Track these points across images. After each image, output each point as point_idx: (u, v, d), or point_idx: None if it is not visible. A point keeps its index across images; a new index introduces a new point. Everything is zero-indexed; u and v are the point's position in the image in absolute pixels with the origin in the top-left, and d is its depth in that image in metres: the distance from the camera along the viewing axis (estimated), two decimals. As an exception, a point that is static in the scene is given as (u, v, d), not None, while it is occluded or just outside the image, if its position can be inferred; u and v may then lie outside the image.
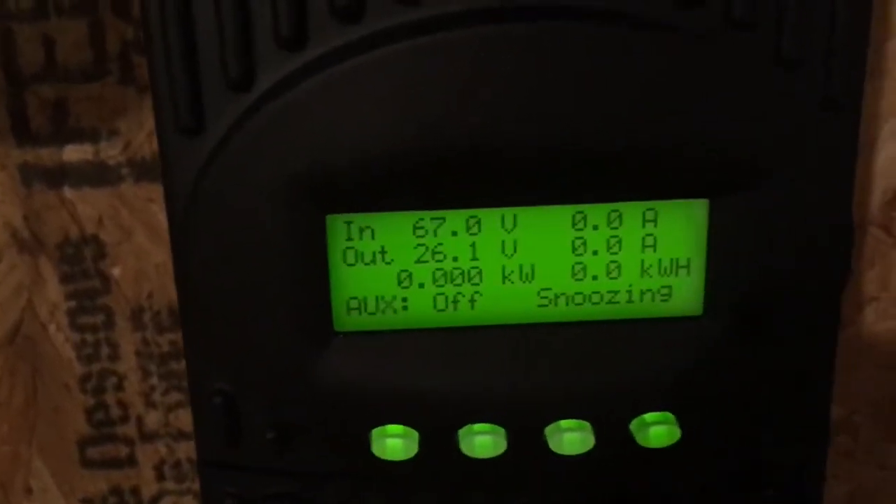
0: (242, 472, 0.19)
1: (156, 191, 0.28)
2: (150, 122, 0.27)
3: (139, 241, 0.28)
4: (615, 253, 0.18)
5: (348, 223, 0.18)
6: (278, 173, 0.17)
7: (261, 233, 0.18)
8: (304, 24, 0.17)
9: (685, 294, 0.19)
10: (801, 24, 0.17)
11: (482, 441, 0.18)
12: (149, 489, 0.31)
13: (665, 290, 0.19)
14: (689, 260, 0.18)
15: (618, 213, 0.18)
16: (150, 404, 0.30)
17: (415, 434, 0.18)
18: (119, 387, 0.29)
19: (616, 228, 0.18)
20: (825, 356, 0.19)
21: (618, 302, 0.19)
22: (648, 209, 0.18)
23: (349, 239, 0.18)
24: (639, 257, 0.18)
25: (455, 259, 0.18)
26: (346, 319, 0.18)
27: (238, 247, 0.18)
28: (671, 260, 0.19)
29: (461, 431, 0.18)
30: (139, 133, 0.27)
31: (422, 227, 0.18)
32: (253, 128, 0.17)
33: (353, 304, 0.18)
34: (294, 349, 0.18)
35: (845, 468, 0.28)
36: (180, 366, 0.29)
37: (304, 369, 0.18)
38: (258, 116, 0.17)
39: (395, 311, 0.19)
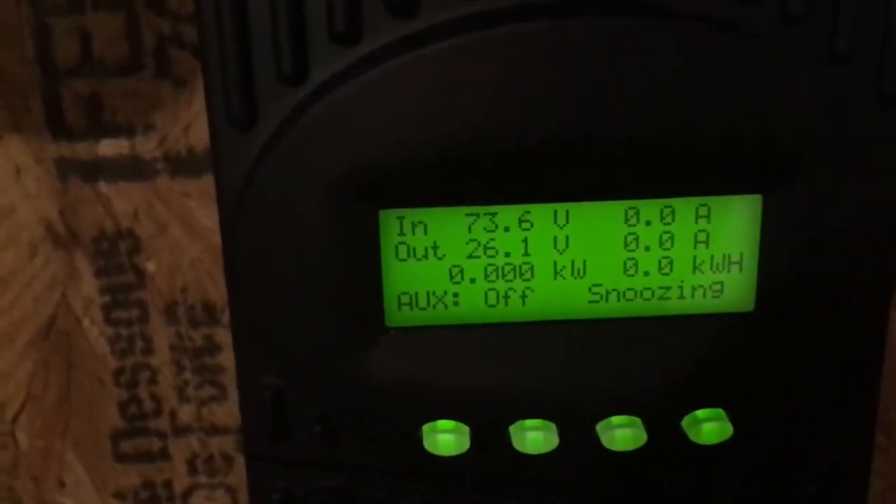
0: (290, 467, 0.19)
1: (191, 185, 0.28)
2: (185, 117, 0.27)
3: (174, 236, 0.28)
4: (667, 249, 0.18)
5: (401, 218, 0.18)
6: (331, 168, 0.17)
7: (312, 227, 0.17)
8: (359, 19, 0.17)
9: (737, 290, 0.19)
10: (855, 19, 0.17)
11: (534, 437, 0.18)
12: (181, 483, 0.31)
13: (717, 287, 0.19)
14: (741, 256, 0.18)
15: (671, 209, 0.18)
16: (184, 398, 0.30)
17: (466, 429, 0.18)
18: (153, 381, 0.30)
19: (669, 224, 0.18)
20: (875, 353, 0.19)
21: (669, 298, 0.19)
22: (702, 205, 0.18)
23: (401, 234, 0.18)
24: (691, 253, 0.18)
25: (507, 255, 0.18)
26: (398, 315, 0.18)
27: (289, 241, 0.18)
28: (723, 256, 0.18)
29: (512, 427, 0.18)
30: (175, 127, 0.27)
31: (474, 223, 0.18)
32: (306, 122, 0.17)
33: (405, 299, 0.18)
34: (345, 344, 0.18)
35: (879, 465, 0.28)
36: (214, 360, 0.29)
37: (355, 364, 0.18)
38: (311, 111, 0.17)
39: (446, 307, 0.18)
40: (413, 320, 0.18)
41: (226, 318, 0.29)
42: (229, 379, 0.30)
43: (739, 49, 0.17)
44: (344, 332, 0.18)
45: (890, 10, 0.17)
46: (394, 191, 0.17)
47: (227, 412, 0.30)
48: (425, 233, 0.18)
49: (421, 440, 0.18)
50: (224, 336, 0.29)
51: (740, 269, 0.19)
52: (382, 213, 0.18)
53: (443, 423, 0.18)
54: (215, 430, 0.30)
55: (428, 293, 0.18)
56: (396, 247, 0.18)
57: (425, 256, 0.18)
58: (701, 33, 0.17)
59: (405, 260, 0.18)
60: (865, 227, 0.18)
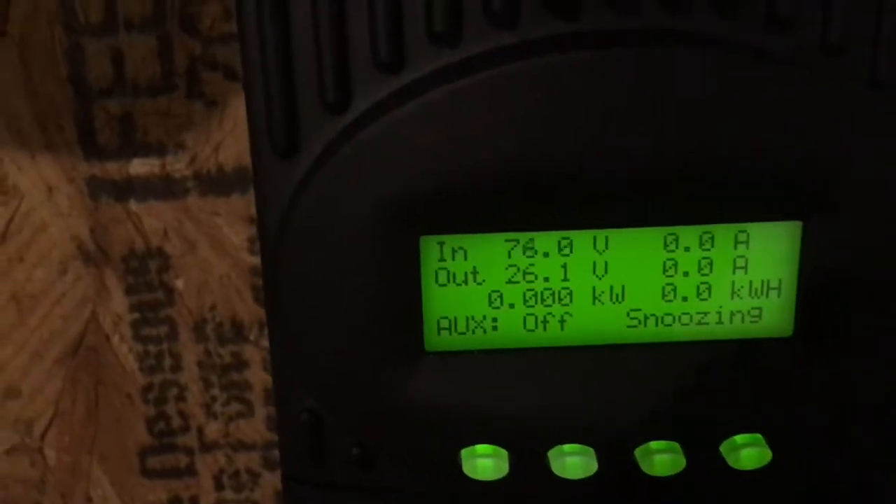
0: (327, 489, 0.20)
1: (220, 204, 0.28)
2: (216, 137, 0.27)
3: (203, 254, 0.28)
4: (706, 274, 0.18)
5: (441, 244, 0.18)
6: (373, 195, 0.17)
7: (354, 253, 0.18)
8: (402, 48, 0.17)
9: (775, 315, 0.19)
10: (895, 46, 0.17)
11: (573, 462, 0.18)
12: (207, 499, 0.31)
13: (755, 312, 0.19)
14: (780, 281, 0.18)
15: (710, 235, 0.18)
16: (211, 415, 0.30)
17: (505, 454, 0.18)
18: (181, 397, 0.30)
19: (708, 250, 0.18)
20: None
21: (707, 323, 0.19)
22: (741, 231, 0.18)
23: (441, 260, 0.18)
24: (730, 279, 0.18)
25: (546, 280, 0.18)
26: (437, 339, 0.19)
27: (330, 267, 0.18)
28: (762, 281, 0.18)
29: (551, 452, 0.18)
30: (205, 147, 0.27)
31: (514, 249, 0.18)
32: (348, 150, 0.17)
33: (444, 323, 0.18)
34: (384, 368, 0.18)
35: None
36: (241, 377, 0.30)
37: (394, 388, 0.18)
38: (354, 139, 0.17)
39: (484, 332, 0.19)
40: (452, 345, 0.19)
41: (254, 335, 0.29)
42: (256, 396, 0.30)
43: (779, 76, 0.17)
44: (383, 357, 0.18)
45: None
46: (435, 217, 0.18)
47: (254, 428, 0.30)
48: (465, 258, 0.18)
49: (460, 464, 0.18)
50: (252, 353, 0.29)
51: (779, 295, 0.19)
52: (423, 239, 0.18)
53: (481, 448, 0.18)
54: (242, 446, 0.30)
55: (467, 318, 0.18)
56: (436, 272, 0.18)
57: (465, 282, 0.18)
58: (740, 61, 0.17)
59: (445, 285, 0.18)
60: (904, 253, 0.18)
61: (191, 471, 0.30)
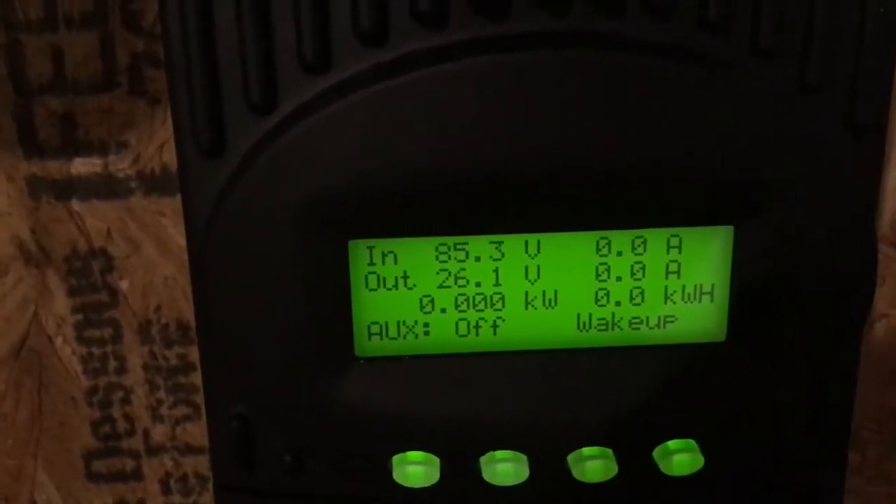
0: (258, 496, 0.19)
1: (165, 204, 0.27)
2: (160, 135, 0.27)
3: (147, 255, 0.28)
4: (639, 279, 0.18)
5: (370, 248, 0.18)
6: (300, 197, 0.17)
7: (281, 257, 0.17)
8: (328, 48, 0.17)
9: (709, 320, 0.19)
10: (826, 50, 0.17)
11: (504, 468, 0.18)
12: (154, 503, 0.31)
13: (688, 317, 0.19)
14: (713, 286, 0.18)
15: (642, 240, 0.18)
16: (157, 418, 0.29)
17: (436, 461, 0.18)
18: (126, 400, 0.29)
19: (640, 255, 0.18)
20: (847, 380, 0.19)
21: (640, 328, 0.19)
22: (673, 235, 0.18)
23: (371, 264, 0.18)
24: (662, 283, 0.18)
25: (478, 284, 0.18)
26: (368, 345, 0.18)
27: (258, 270, 0.17)
28: (695, 286, 0.18)
29: (483, 458, 0.18)
30: (149, 146, 0.27)
31: (445, 253, 0.18)
32: (275, 151, 0.17)
33: (375, 329, 0.18)
34: (314, 374, 0.18)
35: (853, 484, 0.28)
36: (188, 379, 0.29)
37: (325, 394, 0.18)
38: (280, 139, 0.17)
39: (416, 337, 0.18)
40: (383, 350, 0.18)
41: (200, 337, 0.28)
42: (203, 398, 0.29)
43: (710, 80, 0.17)
44: (313, 362, 0.18)
45: (861, 40, 0.17)
46: (363, 221, 0.17)
47: (202, 432, 0.30)
48: (395, 262, 0.18)
49: (391, 471, 0.18)
50: (198, 355, 0.29)
51: (712, 300, 0.18)
52: (352, 243, 0.18)
53: (413, 455, 0.18)
54: (189, 449, 0.30)
55: (398, 323, 0.18)
56: (366, 276, 0.18)
57: (395, 286, 0.18)
58: (671, 65, 0.17)
59: (375, 290, 0.18)
60: (837, 257, 0.18)
61: (137, 475, 0.30)
